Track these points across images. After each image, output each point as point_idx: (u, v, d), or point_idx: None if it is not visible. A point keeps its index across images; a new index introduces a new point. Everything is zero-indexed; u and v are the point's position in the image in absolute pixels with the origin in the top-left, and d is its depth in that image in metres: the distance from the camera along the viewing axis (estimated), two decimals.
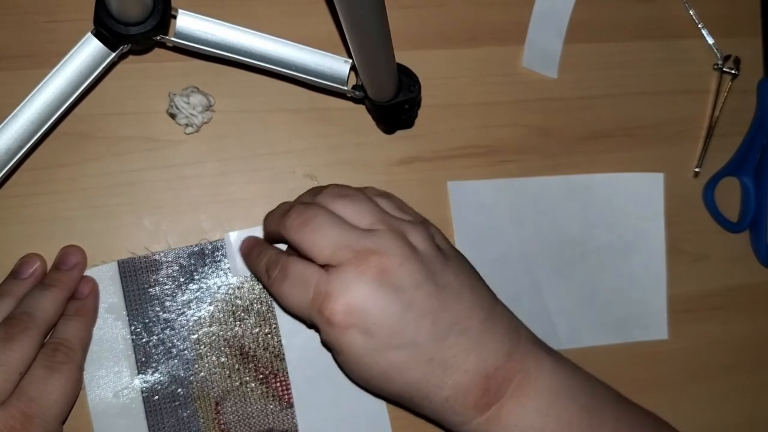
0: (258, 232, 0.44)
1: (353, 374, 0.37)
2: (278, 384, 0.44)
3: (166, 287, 0.43)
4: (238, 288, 0.44)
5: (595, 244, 0.49)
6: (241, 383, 0.44)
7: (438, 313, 0.36)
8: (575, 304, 0.49)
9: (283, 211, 0.38)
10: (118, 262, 0.43)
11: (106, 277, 0.42)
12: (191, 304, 0.43)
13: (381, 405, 0.45)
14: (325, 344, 0.37)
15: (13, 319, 0.37)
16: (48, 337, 0.39)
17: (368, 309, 0.35)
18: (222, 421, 0.43)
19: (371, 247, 0.35)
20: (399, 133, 0.47)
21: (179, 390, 0.43)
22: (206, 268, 0.44)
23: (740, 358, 0.51)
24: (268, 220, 0.42)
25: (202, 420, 0.43)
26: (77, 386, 0.38)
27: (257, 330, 0.44)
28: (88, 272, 0.42)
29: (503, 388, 0.37)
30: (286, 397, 0.44)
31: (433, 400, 0.37)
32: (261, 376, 0.44)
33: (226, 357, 0.44)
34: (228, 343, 0.44)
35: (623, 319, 0.49)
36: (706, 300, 0.51)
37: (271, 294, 0.41)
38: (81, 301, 0.41)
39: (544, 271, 0.48)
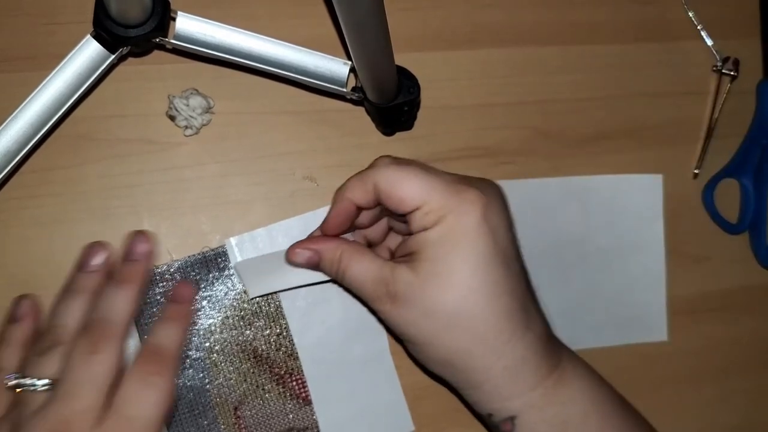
0: (256, 235, 0.44)
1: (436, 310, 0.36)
2: (294, 383, 0.44)
3: None
4: (244, 292, 0.44)
5: (595, 246, 0.49)
6: (257, 386, 0.44)
7: (526, 268, 0.38)
8: (575, 306, 0.49)
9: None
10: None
11: None
12: (200, 313, 0.43)
13: (399, 395, 0.45)
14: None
15: (94, 327, 0.34)
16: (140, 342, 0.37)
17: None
18: (242, 425, 0.43)
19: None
20: (398, 134, 0.47)
21: (197, 399, 0.43)
22: (210, 275, 0.44)
23: (740, 360, 0.51)
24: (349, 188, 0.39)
25: (222, 426, 0.43)
26: (172, 399, 0.35)
27: (268, 332, 0.44)
28: None
29: (559, 351, 0.38)
30: (303, 394, 0.44)
31: (508, 355, 0.36)
32: (276, 376, 0.44)
33: (240, 361, 0.44)
34: (241, 347, 0.44)
35: (623, 321, 0.49)
36: (705, 301, 0.51)
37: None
38: (181, 305, 0.38)
39: (543, 272, 0.48)
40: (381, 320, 0.42)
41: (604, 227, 0.49)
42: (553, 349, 0.38)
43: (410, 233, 0.37)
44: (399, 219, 0.39)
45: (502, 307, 0.36)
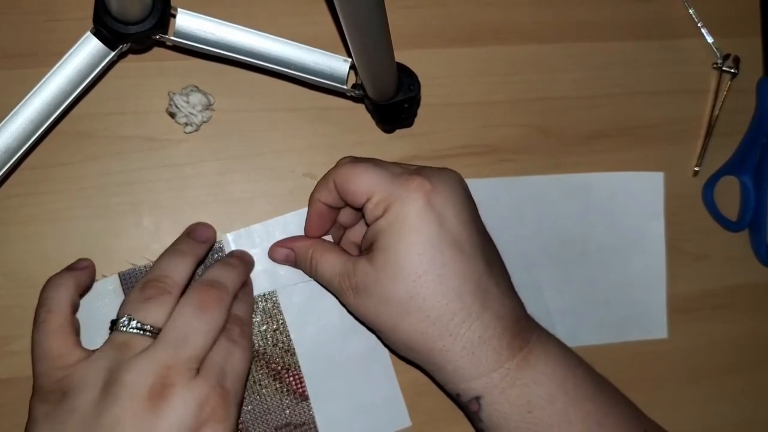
0: (253, 230, 0.44)
1: (396, 282, 0.37)
2: (291, 378, 0.44)
3: None
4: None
5: (595, 243, 0.49)
6: (254, 382, 0.44)
7: (486, 250, 0.39)
8: (575, 303, 0.49)
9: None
10: (119, 274, 0.43)
11: (108, 291, 0.42)
12: None
13: (396, 390, 0.45)
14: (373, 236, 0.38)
15: (208, 287, 0.38)
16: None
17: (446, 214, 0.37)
18: (239, 421, 0.43)
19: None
20: (398, 132, 0.47)
21: None
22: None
23: (740, 358, 0.51)
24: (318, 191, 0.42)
25: None
26: (251, 359, 0.39)
27: (264, 327, 0.44)
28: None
29: (528, 334, 0.38)
30: (300, 390, 0.44)
31: (464, 336, 0.37)
32: (273, 372, 0.44)
33: None
34: None
35: (623, 319, 0.49)
36: (705, 299, 0.51)
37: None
38: (247, 286, 0.42)
39: (543, 270, 0.48)
40: (354, 316, 0.43)
41: (605, 225, 0.49)
42: (519, 330, 0.38)
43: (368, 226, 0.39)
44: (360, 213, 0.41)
45: (453, 289, 0.36)
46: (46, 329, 0.36)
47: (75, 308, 0.38)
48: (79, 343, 0.37)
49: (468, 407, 0.38)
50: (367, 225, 0.39)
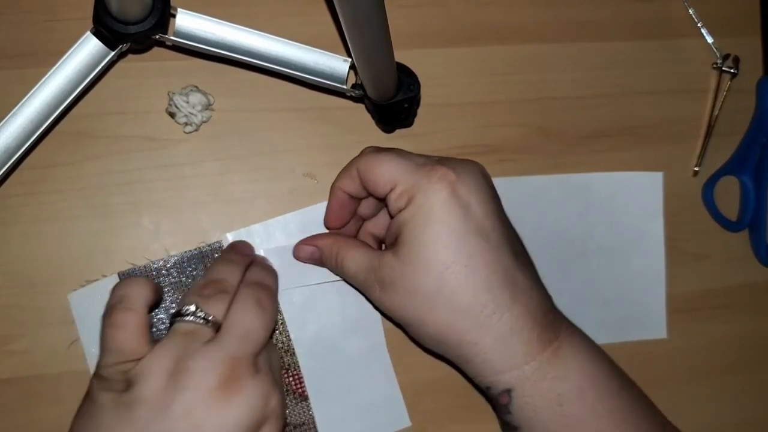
0: (253, 230, 0.44)
1: (427, 273, 0.36)
2: (291, 378, 0.44)
3: (169, 295, 0.43)
4: None
5: (595, 243, 0.49)
6: None
7: (512, 241, 0.39)
8: (574, 303, 0.48)
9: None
10: (119, 274, 0.43)
11: (107, 291, 0.42)
12: None
13: (396, 390, 0.45)
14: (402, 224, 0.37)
15: (260, 286, 0.38)
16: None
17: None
18: None
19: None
20: (398, 132, 0.47)
21: None
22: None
23: (739, 358, 0.51)
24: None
25: None
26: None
27: None
28: (89, 287, 0.42)
29: (557, 327, 0.38)
30: (300, 390, 0.44)
31: (494, 328, 0.36)
32: None
33: None
34: None
35: (622, 319, 0.49)
36: (705, 299, 0.51)
37: None
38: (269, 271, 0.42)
39: (543, 269, 0.48)
40: (380, 311, 0.43)
41: (604, 225, 0.49)
42: (548, 323, 0.38)
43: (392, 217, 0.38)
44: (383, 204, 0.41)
45: (481, 280, 0.36)
46: (125, 328, 0.35)
47: (150, 310, 0.37)
48: (151, 340, 0.36)
49: (498, 400, 0.38)
50: (391, 216, 0.39)
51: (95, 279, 0.42)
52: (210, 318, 0.36)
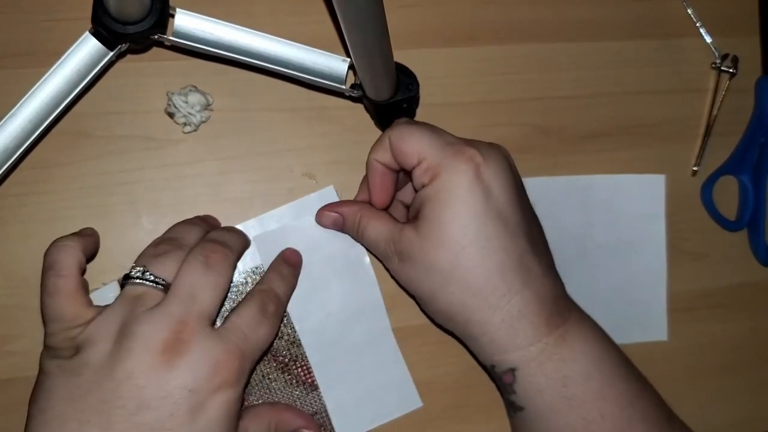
0: (248, 226, 0.44)
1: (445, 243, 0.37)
2: (299, 369, 0.44)
3: None
4: (242, 284, 0.44)
5: (596, 244, 0.49)
6: (263, 375, 0.44)
7: (530, 228, 0.39)
8: None
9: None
10: (119, 281, 0.42)
11: (108, 299, 0.42)
12: None
13: (405, 372, 0.45)
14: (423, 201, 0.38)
15: (213, 245, 0.38)
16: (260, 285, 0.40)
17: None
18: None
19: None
20: None
21: None
22: None
23: (739, 357, 0.51)
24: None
25: None
26: (274, 338, 0.39)
27: None
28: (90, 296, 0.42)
29: (566, 313, 0.39)
30: (309, 380, 0.44)
31: (503, 309, 0.37)
32: (281, 365, 0.44)
33: None
34: None
35: (623, 320, 0.49)
36: (705, 299, 0.51)
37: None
38: (295, 268, 0.43)
39: None
40: (396, 281, 0.43)
41: (605, 226, 0.49)
42: (558, 309, 0.38)
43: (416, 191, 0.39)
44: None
45: (496, 264, 0.37)
46: (59, 294, 0.35)
47: (83, 271, 0.37)
48: (91, 303, 0.36)
49: (502, 379, 0.39)
50: (415, 190, 0.39)
51: (95, 288, 0.42)
52: (159, 279, 0.36)
